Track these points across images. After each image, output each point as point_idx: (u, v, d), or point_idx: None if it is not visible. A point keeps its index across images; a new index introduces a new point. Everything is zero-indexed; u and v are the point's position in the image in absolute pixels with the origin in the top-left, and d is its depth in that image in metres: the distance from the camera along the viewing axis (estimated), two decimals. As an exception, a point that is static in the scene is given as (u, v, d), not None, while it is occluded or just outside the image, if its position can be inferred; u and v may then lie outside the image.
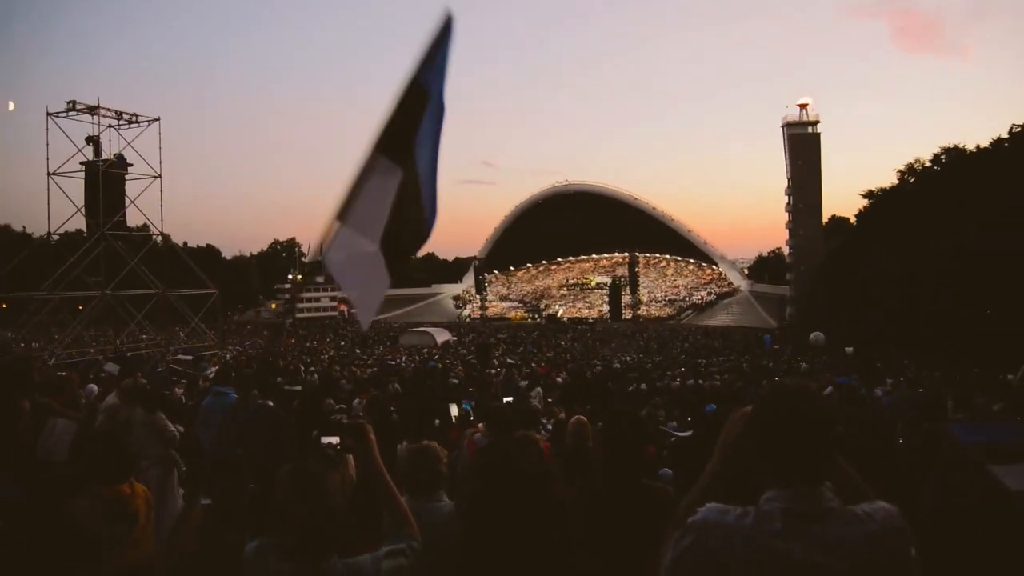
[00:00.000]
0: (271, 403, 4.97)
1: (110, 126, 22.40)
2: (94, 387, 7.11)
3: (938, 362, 17.21)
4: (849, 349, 22.90)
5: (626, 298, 58.02)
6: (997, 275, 20.95)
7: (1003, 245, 20.74)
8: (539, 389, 9.87)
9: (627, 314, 57.02)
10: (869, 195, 36.36)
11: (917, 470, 2.99)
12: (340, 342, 38.06)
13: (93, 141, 22.29)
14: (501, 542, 1.60)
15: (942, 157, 30.09)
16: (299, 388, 7.89)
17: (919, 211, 26.35)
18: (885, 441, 3.84)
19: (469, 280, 71.75)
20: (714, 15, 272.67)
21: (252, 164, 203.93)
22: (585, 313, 63.26)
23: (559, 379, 13.81)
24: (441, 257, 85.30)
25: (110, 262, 21.59)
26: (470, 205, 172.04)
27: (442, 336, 37.37)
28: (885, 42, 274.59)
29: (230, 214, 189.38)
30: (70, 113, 21.50)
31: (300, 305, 56.57)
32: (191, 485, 4.97)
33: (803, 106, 48.38)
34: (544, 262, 78.23)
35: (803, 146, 46.94)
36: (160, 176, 22.90)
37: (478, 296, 66.49)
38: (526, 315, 65.67)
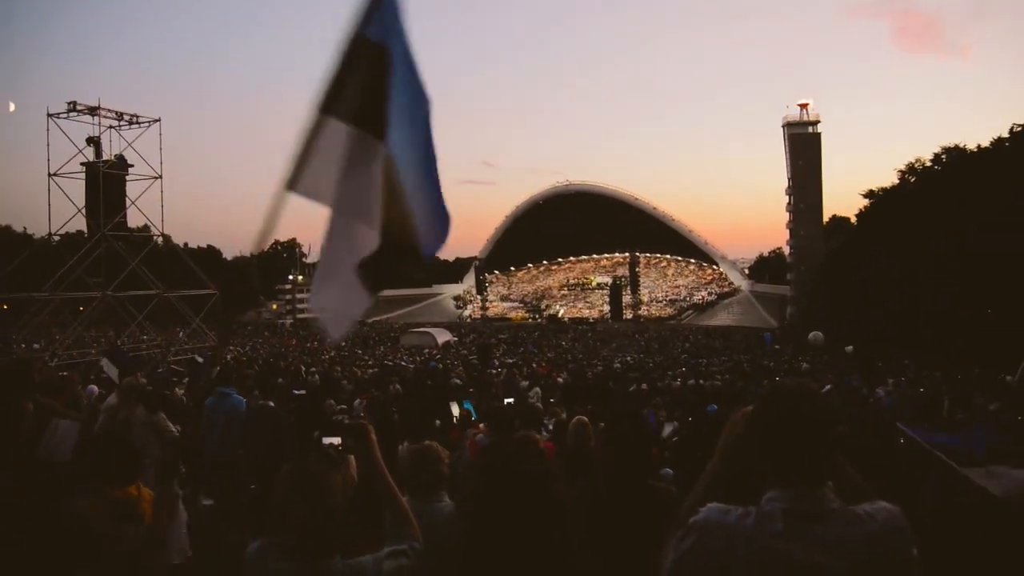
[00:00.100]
0: (272, 403, 4.98)
1: (111, 127, 22.38)
2: (95, 388, 7.10)
3: (939, 362, 17.20)
4: (849, 348, 22.92)
5: (627, 298, 58.01)
6: (997, 275, 20.94)
7: (1003, 245, 20.74)
8: (537, 389, 9.90)
9: (628, 314, 57.00)
10: (869, 195, 36.31)
11: (917, 470, 2.99)
12: (340, 342, 38.04)
13: (94, 142, 22.28)
14: (502, 542, 1.61)
15: (942, 157, 30.06)
16: (305, 392, 7.89)
17: (919, 211, 26.33)
18: (886, 441, 3.84)
19: (470, 280, 71.72)
20: (714, 15, 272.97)
21: (252, 164, 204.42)
22: (586, 313, 63.25)
23: (560, 379, 13.81)
24: (442, 257, 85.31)
25: (111, 263, 21.58)
26: (470, 205, 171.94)
27: (443, 336, 37.37)
28: (885, 42, 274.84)
29: (230, 214, 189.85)
30: (71, 114, 21.47)
31: (301, 306, 56.57)
32: (191, 485, 4.98)
33: (803, 106, 48.39)
34: (545, 262, 78.18)
35: (803, 146, 46.92)
36: (161, 177, 22.87)
37: (479, 296, 66.48)
38: (527, 315, 65.63)
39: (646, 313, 60.05)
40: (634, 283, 58.23)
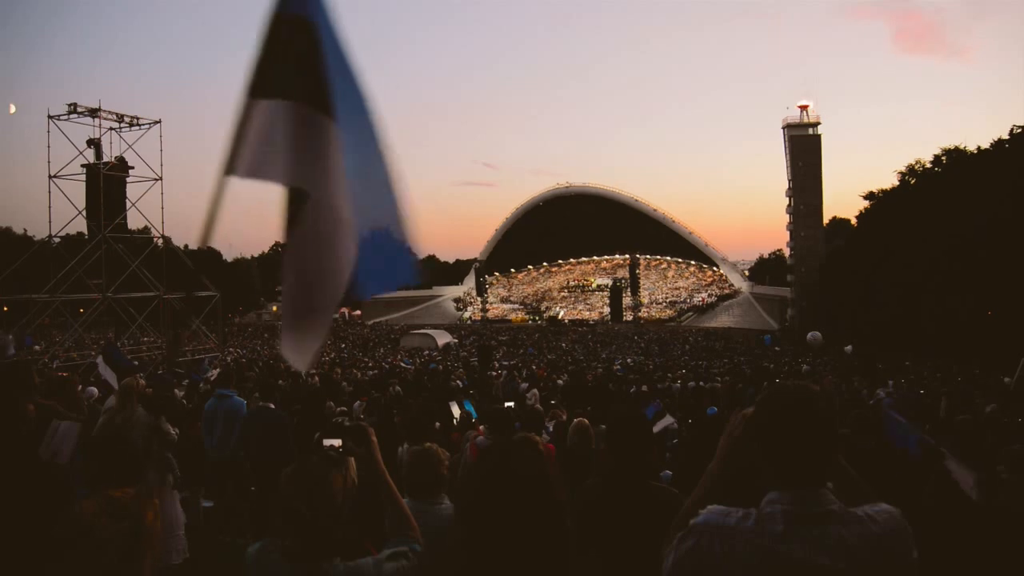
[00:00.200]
0: (272, 405, 4.97)
1: (111, 129, 22.42)
2: (94, 390, 7.09)
3: (939, 363, 17.21)
4: (848, 348, 22.92)
5: (627, 300, 57.96)
6: (997, 276, 20.94)
7: (1003, 246, 20.75)
8: (535, 391, 9.90)
9: (628, 316, 56.96)
10: (870, 196, 36.32)
11: (918, 471, 2.99)
12: (340, 344, 38.05)
13: (94, 144, 22.31)
14: (499, 545, 1.60)
15: (943, 158, 30.09)
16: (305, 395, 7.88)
17: (920, 213, 26.36)
18: (886, 442, 3.83)
19: (470, 282, 71.69)
20: (714, 15, 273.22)
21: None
22: (586, 315, 63.21)
23: (559, 381, 13.80)
24: (442, 259, 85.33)
25: (111, 265, 21.61)
26: (471, 207, 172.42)
27: (443, 338, 37.39)
28: (885, 43, 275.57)
29: (231, 216, 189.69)
30: (71, 116, 21.52)
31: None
32: (191, 487, 4.97)
33: (803, 107, 48.37)
34: (545, 264, 78.14)
35: (804, 148, 46.91)
36: (161, 179, 22.91)
37: (479, 298, 66.43)
38: (527, 317, 65.60)
39: (646, 315, 59.99)
40: (634, 285, 58.19)
